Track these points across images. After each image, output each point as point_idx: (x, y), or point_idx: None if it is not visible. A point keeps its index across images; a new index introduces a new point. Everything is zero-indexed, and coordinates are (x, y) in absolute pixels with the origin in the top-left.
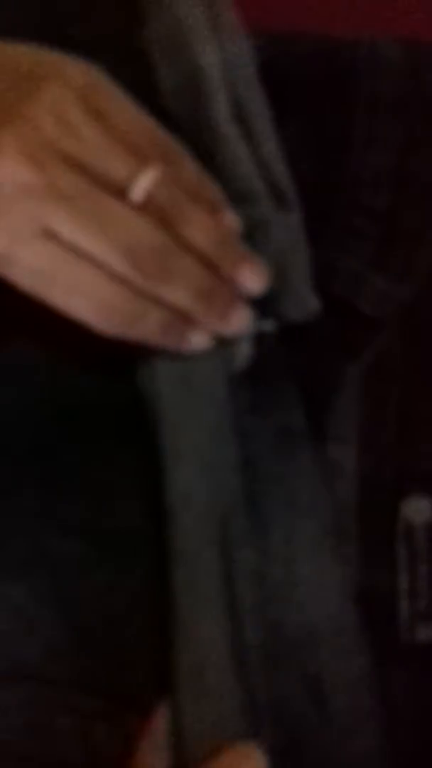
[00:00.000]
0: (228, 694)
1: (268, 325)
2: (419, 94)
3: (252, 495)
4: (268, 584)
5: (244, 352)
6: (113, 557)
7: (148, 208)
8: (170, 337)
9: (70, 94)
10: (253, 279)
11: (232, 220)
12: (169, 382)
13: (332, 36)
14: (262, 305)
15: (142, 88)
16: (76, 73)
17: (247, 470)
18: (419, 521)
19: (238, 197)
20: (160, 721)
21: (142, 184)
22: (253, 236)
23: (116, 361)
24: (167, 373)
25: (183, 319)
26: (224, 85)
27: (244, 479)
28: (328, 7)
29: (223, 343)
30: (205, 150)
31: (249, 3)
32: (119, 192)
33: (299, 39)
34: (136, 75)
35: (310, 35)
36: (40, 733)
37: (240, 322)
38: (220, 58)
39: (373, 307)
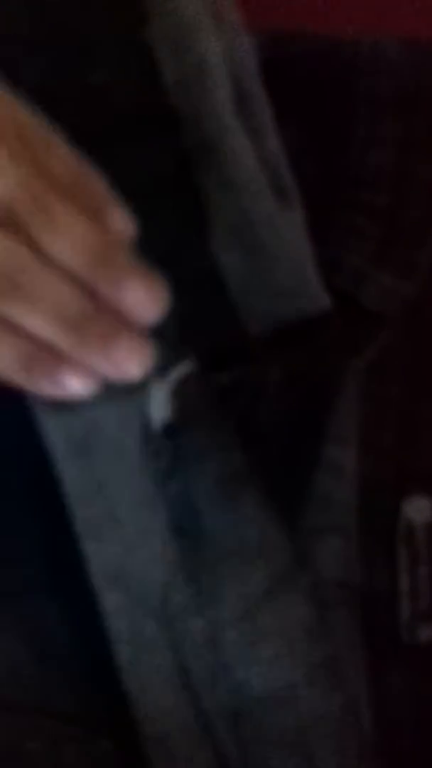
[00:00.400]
0: (198, 761)
1: (186, 367)
2: (420, 93)
3: (196, 554)
4: (224, 648)
5: (160, 401)
6: (74, 580)
7: None
8: (36, 376)
9: None
10: (143, 302)
11: (120, 224)
12: (66, 444)
13: (332, 35)
14: (179, 341)
15: (145, 85)
16: None
17: (187, 528)
18: (420, 521)
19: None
20: None
21: None
22: (257, 232)
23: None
24: (61, 431)
25: (52, 354)
26: (228, 78)
27: (183, 541)
28: (328, 7)
29: (127, 390)
30: (208, 144)
31: (248, 2)
32: None
33: (299, 38)
34: (139, 72)
35: (309, 34)
36: (10, 757)
37: (129, 360)
38: (224, 52)
39: (376, 303)
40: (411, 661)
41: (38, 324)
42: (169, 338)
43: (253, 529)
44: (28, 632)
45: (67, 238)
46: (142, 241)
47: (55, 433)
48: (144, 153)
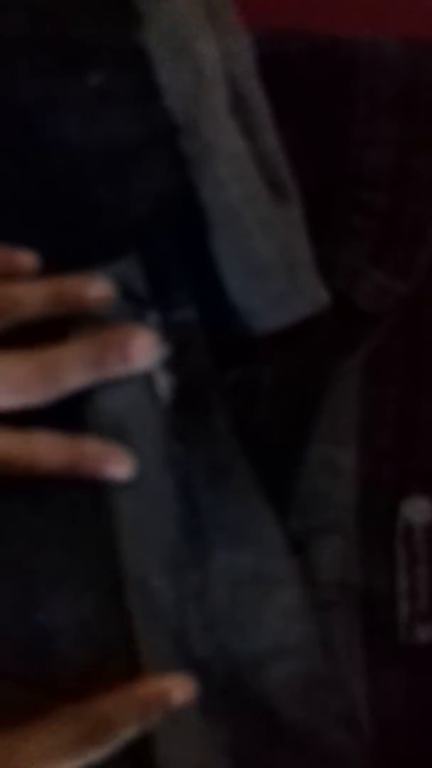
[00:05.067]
0: (186, 710)
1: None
2: (419, 93)
3: (192, 521)
4: (210, 607)
5: (162, 384)
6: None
7: None
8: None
9: None
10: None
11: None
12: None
13: (331, 34)
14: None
15: (142, 90)
16: None
17: (185, 498)
18: (419, 521)
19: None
20: None
21: None
22: (252, 235)
23: None
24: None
25: None
26: (224, 78)
27: (185, 503)
28: (327, 6)
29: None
30: (204, 146)
31: (248, 2)
32: None
33: (297, 36)
34: (136, 77)
35: (308, 32)
36: None
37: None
38: (220, 51)
39: (371, 302)
40: (409, 661)
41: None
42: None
43: (241, 516)
44: (35, 613)
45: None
46: (143, 243)
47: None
48: (141, 156)
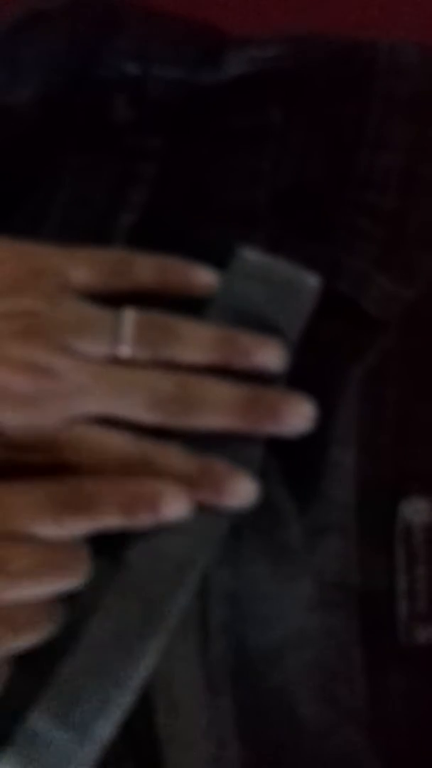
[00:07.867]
0: (195, 709)
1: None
2: None
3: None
4: (239, 601)
5: None
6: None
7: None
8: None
9: None
10: (270, 358)
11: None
12: None
13: (348, 36)
14: None
15: None
16: None
17: None
18: (418, 522)
19: None
20: None
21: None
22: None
23: None
24: None
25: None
26: None
27: None
28: (328, 7)
29: None
30: None
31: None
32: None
33: (318, 38)
34: None
35: (328, 34)
36: None
37: (296, 415)
38: None
39: (378, 308)
40: (409, 661)
41: (217, 418)
42: None
43: (263, 510)
44: None
45: (194, 344)
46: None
47: None
48: None
